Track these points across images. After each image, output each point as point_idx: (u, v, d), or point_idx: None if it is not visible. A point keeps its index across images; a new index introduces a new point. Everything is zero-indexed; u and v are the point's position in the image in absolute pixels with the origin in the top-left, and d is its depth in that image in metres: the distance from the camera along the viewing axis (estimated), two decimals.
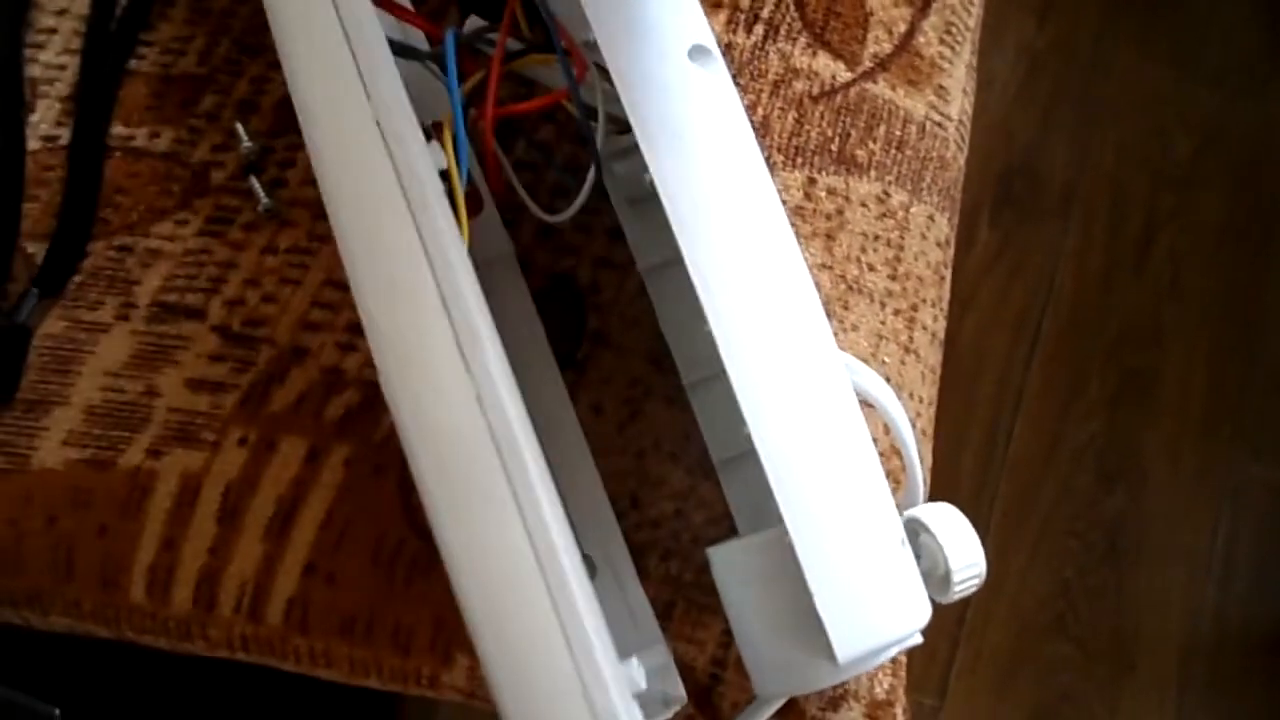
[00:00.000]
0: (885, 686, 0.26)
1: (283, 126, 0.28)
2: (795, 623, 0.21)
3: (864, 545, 0.20)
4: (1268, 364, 0.81)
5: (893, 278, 0.29)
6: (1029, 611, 0.75)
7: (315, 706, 0.42)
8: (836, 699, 0.25)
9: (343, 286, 0.27)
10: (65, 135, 0.28)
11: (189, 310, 0.26)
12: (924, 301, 0.30)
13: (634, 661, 0.20)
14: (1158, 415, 0.79)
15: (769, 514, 0.23)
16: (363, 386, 0.26)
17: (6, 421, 0.25)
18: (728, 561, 0.22)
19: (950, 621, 0.71)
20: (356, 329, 0.26)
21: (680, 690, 0.22)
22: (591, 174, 0.23)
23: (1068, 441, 0.83)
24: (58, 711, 0.26)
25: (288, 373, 0.26)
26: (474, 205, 0.24)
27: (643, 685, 0.20)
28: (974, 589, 0.22)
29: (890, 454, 0.27)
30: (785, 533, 0.21)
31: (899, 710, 0.26)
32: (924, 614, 0.21)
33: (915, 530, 0.22)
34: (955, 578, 0.21)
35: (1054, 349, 0.81)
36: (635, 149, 0.26)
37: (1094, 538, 0.77)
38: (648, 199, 0.26)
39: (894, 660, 0.26)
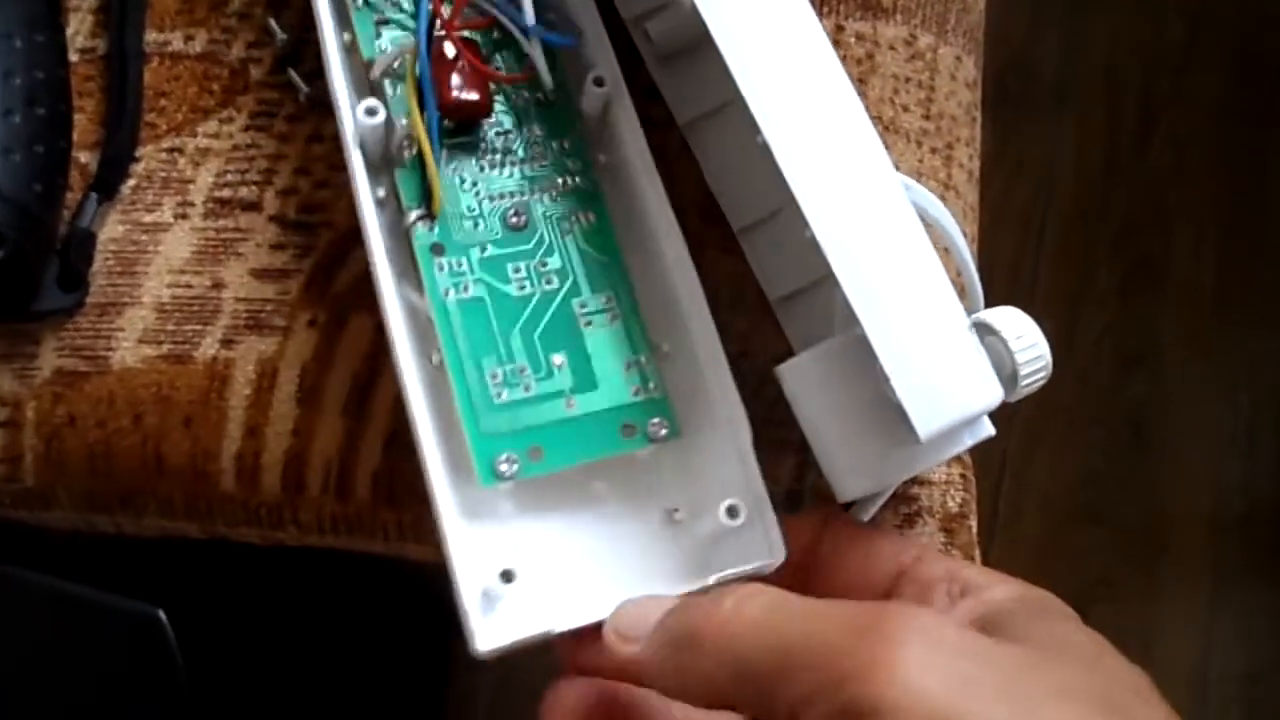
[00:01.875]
0: (957, 501, 0.26)
1: (313, 19, 0.28)
2: (873, 418, 0.22)
3: (932, 331, 0.21)
4: (1275, 238, 0.81)
5: (926, 117, 0.29)
6: (1059, 501, 0.76)
7: (379, 627, 0.43)
8: (912, 515, 0.26)
9: None
10: (101, 46, 0.28)
11: (244, 203, 0.27)
12: (958, 140, 0.30)
13: None
14: (1169, 298, 0.80)
15: (829, 333, 0.23)
16: None
17: (82, 325, 0.26)
18: (799, 374, 0.23)
19: (984, 515, 0.72)
20: None
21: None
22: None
23: (1083, 332, 0.84)
24: (161, 613, 0.27)
25: (349, 253, 0.26)
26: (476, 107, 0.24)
27: None
28: (1041, 382, 0.23)
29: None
30: (854, 333, 0.21)
31: (972, 522, 0.27)
32: (995, 394, 0.21)
33: (981, 333, 0.23)
34: (1022, 370, 0.22)
35: (1061, 242, 0.81)
36: (667, 5, 0.26)
37: (1117, 424, 0.78)
38: (684, 53, 0.26)
39: (964, 476, 0.27)
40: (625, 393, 0.23)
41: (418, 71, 0.23)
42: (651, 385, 0.24)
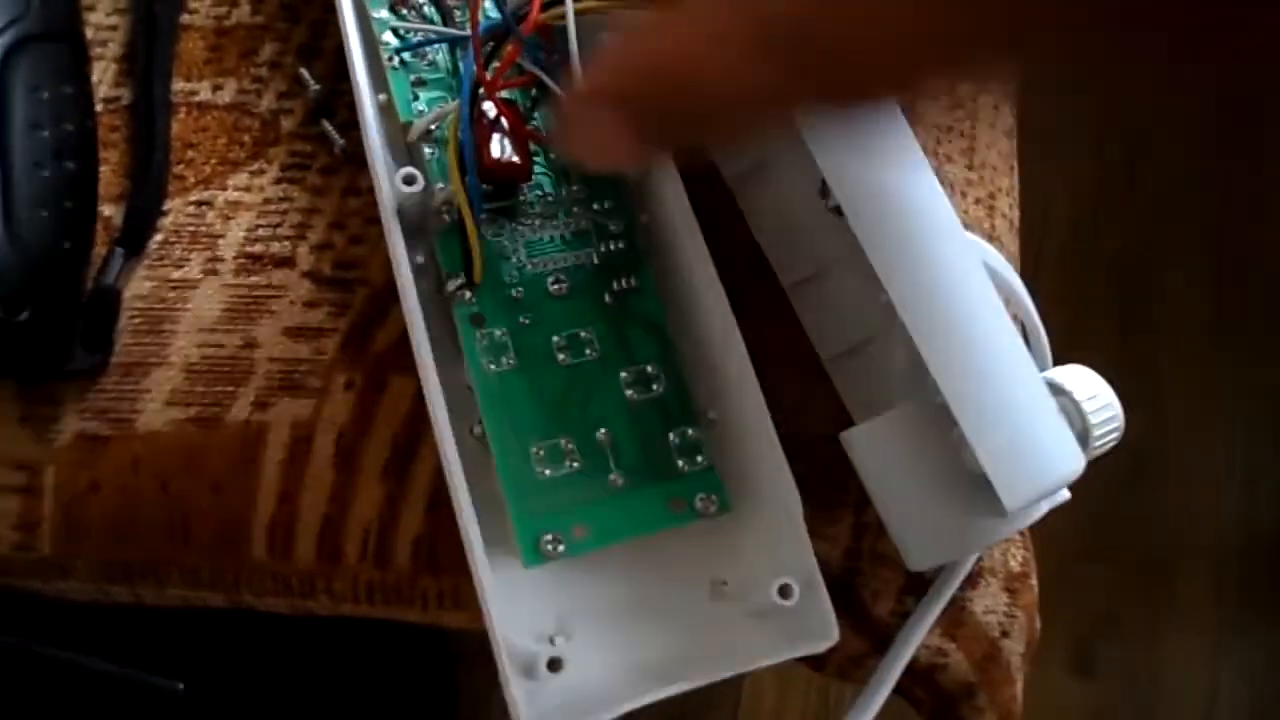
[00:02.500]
0: (1019, 560, 0.26)
1: (345, 69, 0.27)
2: (949, 487, 0.21)
3: (1012, 397, 0.20)
4: (1264, 270, 0.82)
5: (969, 167, 0.29)
6: (1064, 539, 0.75)
7: (383, 692, 0.41)
8: (975, 576, 0.25)
9: None
10: (125, 95, 0.27)
11: (277, 259, 0.26)
12: (1000, 190, 0.30)
13: None
14: (1165, 334, 0.81)
15: (887, 399, 0.23)
16: None
17: (106, 387, 0.25)
18: (868, 441, 0.22)
19: None
20: None
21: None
22: None
23: None
24: (181, 686, 0.26)
25: (387, 312, 0.25)
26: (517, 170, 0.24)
27: None
28: (1115, 441, 0.22)
29: None
30: (928, 399, 0.21)
31: (1034, 581, 0.26)
32: (1078, 461, 0.21)
33: (1052, 393, 0.22)
34: (1095, 432, 0.22)
35: (1057, 283, 0.82)
36: None
37: (1118, 459, 0.78)
38: None
39: (1022, 535, 0.26)
40: (673, 466, 0.23)
41: (460, 135, 0.22)
42: (700, 458, 0.23)
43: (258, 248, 0.26)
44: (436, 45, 0.25)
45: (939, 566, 0.24)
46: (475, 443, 0.22)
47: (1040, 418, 0.20)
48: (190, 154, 0.27)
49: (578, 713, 0.20)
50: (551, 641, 0.21)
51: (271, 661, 0.37)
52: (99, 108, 0.27)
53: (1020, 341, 0.21)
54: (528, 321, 0.23)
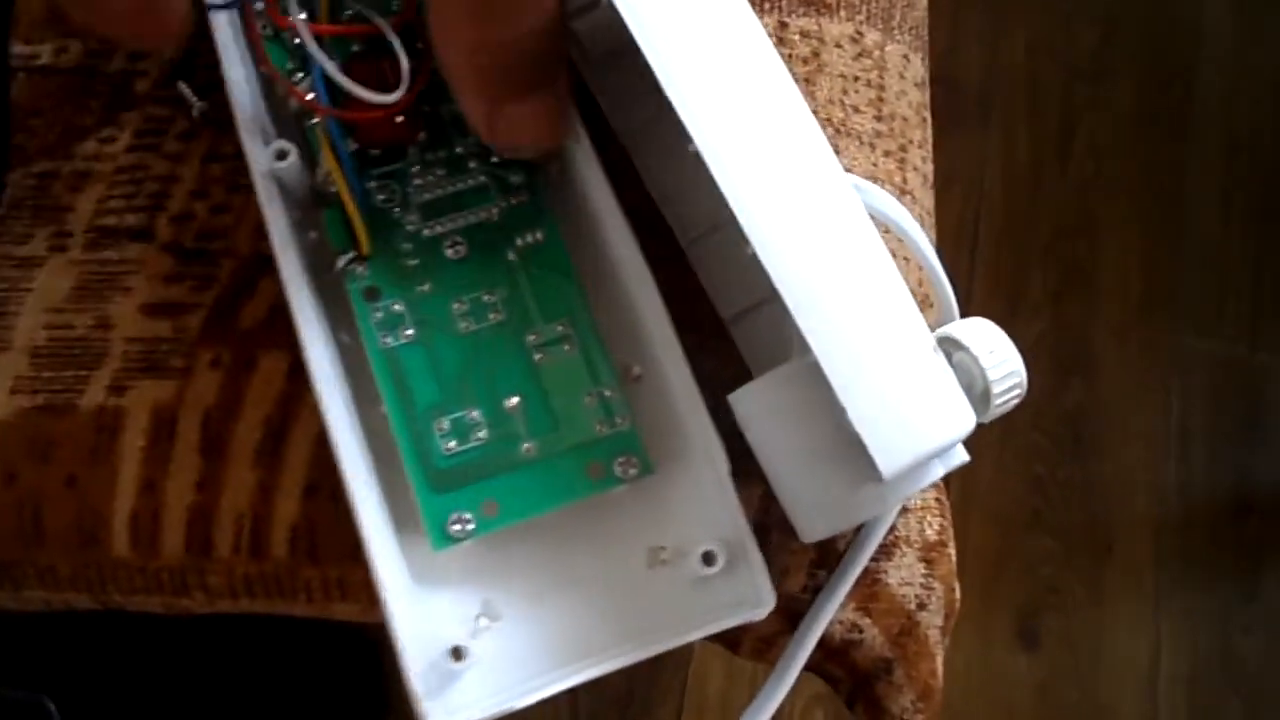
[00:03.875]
0: (935, 528, 0.24)
1: (204, 26, 0.25)
2: (831, 453, 0.19)
3: (894, 352, 0.19)
4: (1196, 241, 0.83)
5: (878, 119, 0.28)
6: (1005, 511, 0.75)
7: (306, 680, 0.39)
8: (889, 546, 0.24)
9: None
10: None
11: (132, 231, 0.24)
12: (911, 142, 0.28)
13: None
14: (1099, 304, 0.81)
15: (784, 360, 0.21)
16: None
17: None
18: (750, 403, 0.21)
19: None
20: None
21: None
22: None
23: (1019, 341, 0.84)
24: (48, 700, 0.24)
25: (255, 284, 0.24)
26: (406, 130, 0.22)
27: None
28: (1016, 401, 0.21)
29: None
30: (806, 358, 0.19)
31: (951, 550, 0.25)
32: (966, 421, 0.19)
33: (949, 349, 0.21)
34: (995, 389, 0.20)
35: (993, 253, 0.82)
36: (594, 6, 0.24)
37: (1058, 431, 0.78)
38: (616, 56, 0.24)
39: (939, 501, 0.25)
40: (589, 429, 0.21)
41: (320, 103, 0.21)
42: (618, 418, 0.21)
43: (110, 220, 0.24)
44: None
45: (848, 537, 0.23)
46: (379, 422, 0.21)
47: (922, 375, 0.19)
48: (33, 122, 0.24)
49: (489, 703, 0.19)
50: (477, 621, 0.20)
51: (159, 667, 0.35)
52: None
53: (906, 294, 0.19)
54: (426, 289, 0.22)
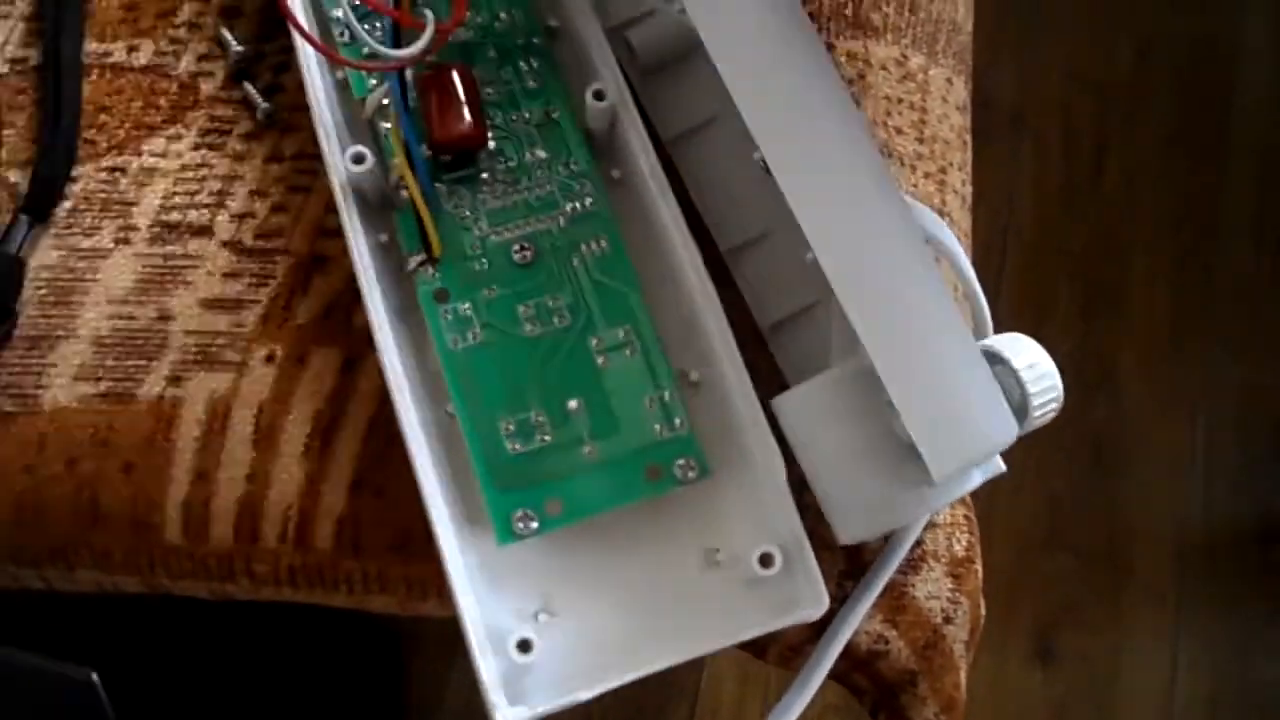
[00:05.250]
0: (963, 544, 0.25)
1: (270, 30, 0.26)
2: (879, 456, 0.20)
3: (944, 363, 0.20)
4: (1227, 265, 0.82)
5: (920, 140, 0.28)
6: (1025, 528, 0.75)
7: (330, 673, 0.40)
8: (917, 560, 0.24)
9: None
10: (34, 56, 0.26)
11: (194, 228, 0.25)
12: (951, 164, 0.29)
13: None
14: (1127, 325, 0.81)
15: (824, 367, 0.22)
16: None
17: (9, 360, 0.23)
18: (796, 408, 0.21)
19: None
20: None
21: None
22: None
23: None
24: (94, 675, 0.24)
25: (310, 282, 0.24)
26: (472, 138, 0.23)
27: None
28: (1053, 414, 0.21)
29: None
30: (858, 363, 0.20)
31: (978, 566, 0.25)
32: (1010, 430, 0.20)
33: (989, 362, 0.21)
34: (1034, 402, 0.21)
35: (1021, 270, 0.82)
36: (652, 14, 0.25)
37: (1080, 449, 0.78)
38: (669, 64, 0.25)
39: (968, 518, 0.25)
40: (649, 433, 0.22)
41: (394, 108, 0.22)
42: (677, 422, 0.22)
43: (174, 216, 0.25)
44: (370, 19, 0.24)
45: (875, 548, 0.23)
46: (449, 421, 0.22)
47: (972, 384, 0.20)
48: (103, 118, 0.25)
49: (553, 693, 0.20)
50: (536, 618, 0.20)
51: (215, 646, 0.35)
52: (4, 68, 0.25)
53: (954, 307, 0.20)
54: (493, 293, 0.22)
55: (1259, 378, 0.80)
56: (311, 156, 0.25)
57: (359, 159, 0.21)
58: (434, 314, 0.22)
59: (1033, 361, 0.21)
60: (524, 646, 0.20)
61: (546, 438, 0.21)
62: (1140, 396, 0.80)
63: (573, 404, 0.22)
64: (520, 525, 0.21)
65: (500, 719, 0.19)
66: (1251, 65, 0.87)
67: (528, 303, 0.22)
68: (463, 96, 0.22)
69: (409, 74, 0.22)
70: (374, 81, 0.23)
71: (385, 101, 0.23)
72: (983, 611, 0.26)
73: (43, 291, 0.24)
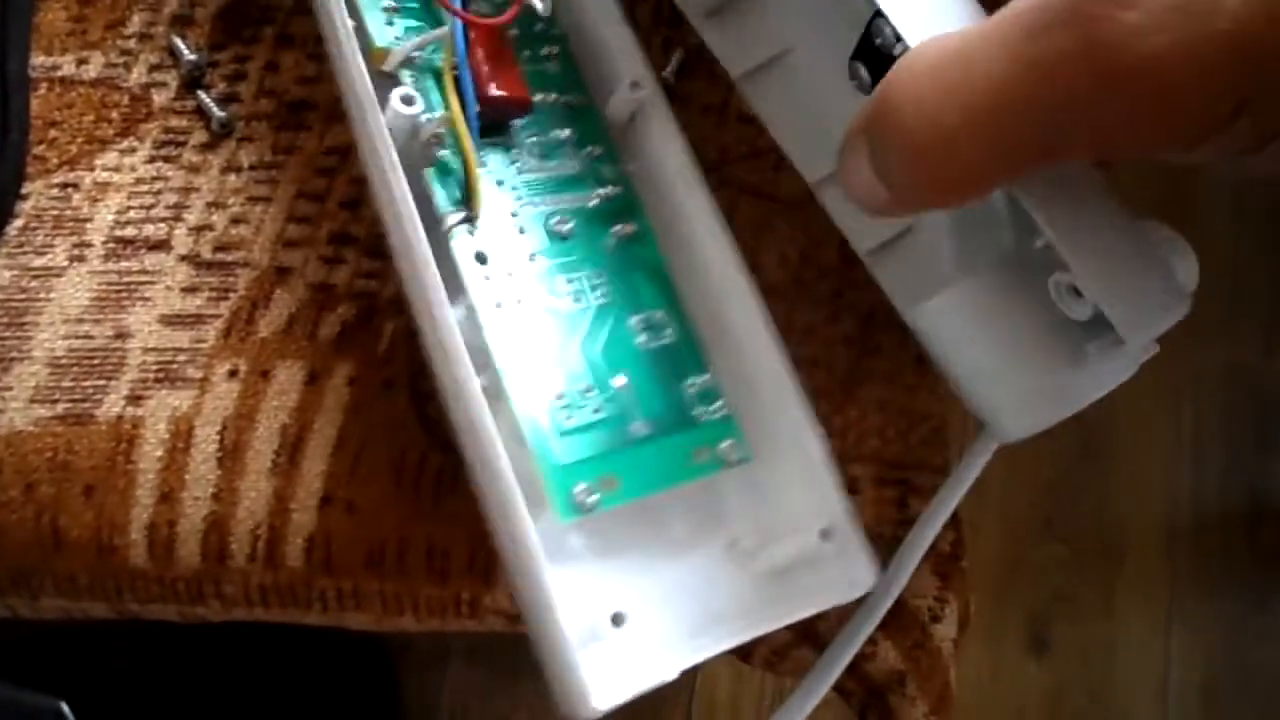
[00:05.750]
0: (949, 541, 0.25)
1: (225, 38, 0.26)
2: (1048, 342, 0.20)
3: (1115, 238, 0.19)
4: (1210, 248, 0.83)
5: None
6: (1016, 517, 0.75)
7: (318, 690, 0.40)
8: None
9: (318, 198, 0.25)
10: None
11: (151, 242, 0.24)
12: None
13: None
14: None
15: (939, 280, 0.21)
16: (357, 299, 0.24)
17: None
18: (951, 309, 0.21)
19: None
20: (341, 240, 0.24)
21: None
22: None
23: None
24: (64, 705, 0.24)
25: (272, 295, 0.24)
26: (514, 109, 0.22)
27: None
28: (1192, 290, 0.21)
29: None
30: (1015, 252, 0.20)
31: (965, 563, 0.25)
32: (1185, 301, 0.19)
33: None
34: (1180, 279, 0.20)
35: None
36: None
37: (1068, 437, 0.78)
38: (733, 2, 0.24)
39: (954, 514, 0.25)
40: (690, 415, 0.21)
41: (454, 56, 0.21)
42: (716, 406, 0.22)
43: (129, 231, 0.24)
44: None
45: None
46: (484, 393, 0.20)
47: (1143, 255, 0.19)
48: (53, 133, 0.25)
49: (639, 675, 0.19)
50: (612, 604, 0.20)
51: (198, 665, 0.35)
52: None
53: (1101, 178, 0.19)
54: (534, 261, 0.21)
55: (1243, 361, 0.80)
56: (269, 166, 0.25)
57: (408, 100, 0.20)
58: (474, 275, 0.21)
59: (1174, 243, 0.20)
60: (617, 620, 0.19)
61: (599, 412, 0.21)
62: (1128, 382, 0.80)
63: (618, 380, 0.21)
64: (583, 500, 0.20)
65: (596, 705, 0.18)
66: None
67: (570, 275, 0.22)
68: (506, 63, 0.22)
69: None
70: (396, 34, 0.22)
71: (416, 54, 0.22)
72: (971, 608, 0.25)
73: None
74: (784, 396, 0.21)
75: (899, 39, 0.19)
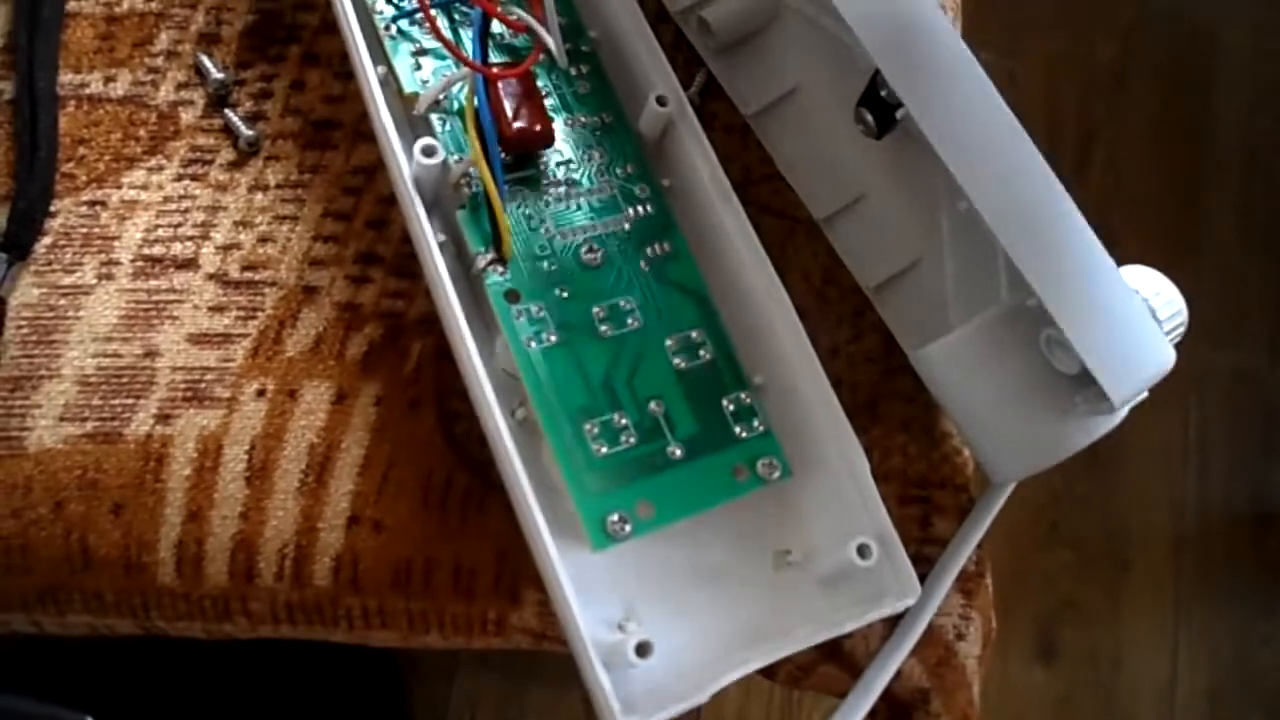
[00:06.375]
0: (973, 559, 0.25)
1: (251, 56, 0.26)
2: (1039, 393, 0.21)
3: (1102, 294, 0.20)
4: (1215, 254, 0.83)
5: None
6: (1023, 524, 0.75)
7: (327, 697, 0.40)
8: (928, 576, 0.24)
9: (345, 217, 0.25)
10: (8, 90, 0.25)
11: (179, 261, 0.24)
12: None
13: None
14: None
15: (942, 319, 0.22)
16: (383, 319, 0.24)
17: None
18: (945, 357, 0.22)
19: None
20: (368, 260, 0.24)
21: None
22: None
23: None
24: (89, 719, 0.24)
25: (299, 314, 0.24)
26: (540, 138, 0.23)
27: None
28: (1179, 337, 0.22)
29: None
30: (1010, 305, 0.21)
31: (989, 581, 0.25)
32: (1168, 354, 0.20)
33: None
34: (1164, 327, 0.21)
35: None
36: None
37: None
38: (746, 40, 0.25)
39: None
40: (730, 434, 0.22)
41: (475, 103, 0.21)
42: (756, 423, 0.22)
43: (157, 249, 0.24)
44: (435, 10, 0.23)
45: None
46: (518, 428, 0.21)
47: (1129, 312, 0.20)
48: (81, 151, 0.25)
49: (669, 698, 0.19)
50: (621, 628, 0.20)
51: (212, 675, 0.35)
52: None
53: (1097, 241, 0.20)
54: (565, 294, 0.22)
55: (1247, 365, 0.80)
56: (296, 185, 0.25)
57: (429, 151, 0.21)
58: (507, 314, 0.21)
59: (1159, 289, 0.21)
60: (641, 650, 0.19)
61: (631, 439, 0.21)
62: None
63: (654, 405, 0.21)
64: (615, 529, 0.20)
65: None
66: (1232, 54, 0.87)
67: (601, 305, 0.22)
68: (529, 97, 0.22)
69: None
70: (425, 78, 0.23)
71: (441, 98, 0.22)
72: (994, 624, 0.25)
73: (24, 331, 0.23)
74: (828, 410, 0.22)
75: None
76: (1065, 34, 0.86)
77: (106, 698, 0.27)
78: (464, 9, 0.23)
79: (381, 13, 0.23)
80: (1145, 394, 0.21)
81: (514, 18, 0.22)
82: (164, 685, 0.32)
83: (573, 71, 0.24)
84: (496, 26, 0.23)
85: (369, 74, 0.22)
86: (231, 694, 0.38)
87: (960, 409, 0.22)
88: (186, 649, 0.27)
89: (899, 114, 0.21)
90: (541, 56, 0.23)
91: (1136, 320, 0.20)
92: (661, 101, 0.23)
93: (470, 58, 0.22)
